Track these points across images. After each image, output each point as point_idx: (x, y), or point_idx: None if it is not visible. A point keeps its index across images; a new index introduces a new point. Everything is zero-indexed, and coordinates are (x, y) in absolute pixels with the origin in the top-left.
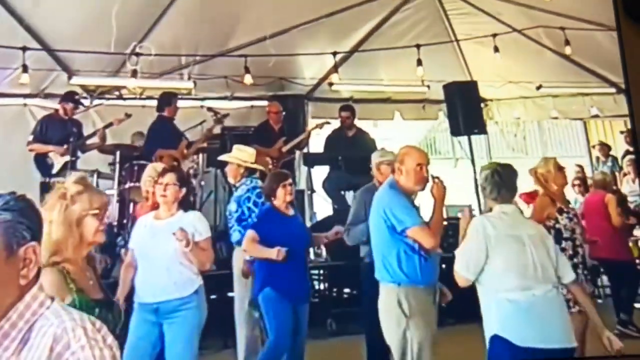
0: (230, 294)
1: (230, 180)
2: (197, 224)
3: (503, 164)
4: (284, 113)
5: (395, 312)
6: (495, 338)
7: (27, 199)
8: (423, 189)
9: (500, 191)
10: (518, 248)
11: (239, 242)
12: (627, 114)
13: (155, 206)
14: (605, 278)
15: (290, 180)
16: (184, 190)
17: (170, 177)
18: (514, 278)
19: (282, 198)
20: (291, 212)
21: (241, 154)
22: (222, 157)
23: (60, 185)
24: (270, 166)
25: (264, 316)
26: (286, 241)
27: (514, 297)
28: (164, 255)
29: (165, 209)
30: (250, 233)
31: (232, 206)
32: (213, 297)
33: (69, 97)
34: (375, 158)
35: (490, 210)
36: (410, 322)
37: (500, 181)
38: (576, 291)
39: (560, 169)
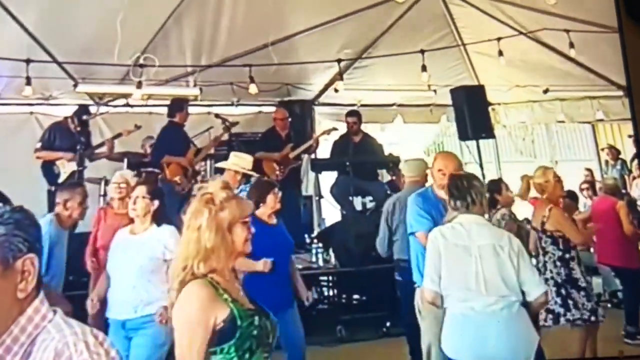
0: None
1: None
2: (169, 242)
3: (463, 175)
4: (290, 119)
5: (416, 312)
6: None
7: (24, 210)
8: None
9: (456, 203)
10: (463, 259)
11: None
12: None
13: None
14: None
15: (277, 189)
16: (156, 202)
17: (140, 190)
18: (454, 289)
19: (271, 205)
20: (274, 220)
21: (239, 161)
22: (220, 165)
23: (204, 191)
24: (278, 172)
25: None
26: (268, 250)
27: (452, 310)
28: (131, 271)
29: (139, 223)
30: None
31: None
32: None
33: (78, 114)
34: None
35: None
36: (423, 323)
37: (454, 192)
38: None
39: (559, 180)
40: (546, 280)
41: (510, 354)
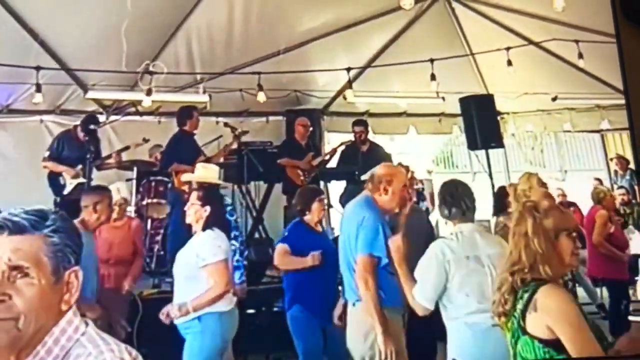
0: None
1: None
2: (201, 249)
3: (449, 183)
4: (311, 129)
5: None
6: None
7: (68, 218)
8: (403, 208)
9: (451, 210)
10: (476, 269)
11: None
12: None
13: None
14: None
15: (324, 196)
16: (208, 208)
17: (192, 196)
18: (472, 301)
19: (316, 213)
20: (320, 228)
21: (206, 172)
22: (186, 177)
23: (526, 199)
24: (302, 178)
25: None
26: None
27: (472, 320)
28: (177, 276)
29: (196, 229)
30: (282, 247)
31: None
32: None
33: (86, 123)
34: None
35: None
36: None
37: (451, 200)
38: None
39: (542, 184)
40: None
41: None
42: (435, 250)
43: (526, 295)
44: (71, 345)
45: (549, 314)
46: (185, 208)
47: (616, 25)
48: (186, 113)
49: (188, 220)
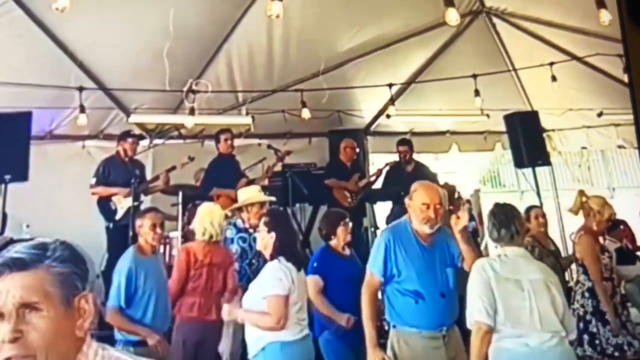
0: None
1: (254, 221)
2: (263, 279)
3: (502, 204)
4: (357, 150)
5: (390, 355)
6: None
7: (71, 244)
8: (432, 228)
9: (500, 232)
10: (515, 293)
11: None
12: None
13: None
14: None
15: (348, 219)
16: (273, 234)
17: (261, 223)
18: (507, 325)
19: (342, 237)
20: (347, 252)
21: (255, 194)
22: (249, 200)
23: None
24: (350, 200)
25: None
26: (345, 283)
27: (507, 346)
28: (245, 305)
29: None
30: (314, 280)
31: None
32: None
33: (126, 135)
34: None
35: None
36: None
37: (497, 222)
38: None
39: (610, 217)
40: (573, 311)
41: None
42: (477, 267)
43: None
44: None
45: None
46: (255, 234)
47: (622, 29)
48: (216, 137)
49: (257, 247)
